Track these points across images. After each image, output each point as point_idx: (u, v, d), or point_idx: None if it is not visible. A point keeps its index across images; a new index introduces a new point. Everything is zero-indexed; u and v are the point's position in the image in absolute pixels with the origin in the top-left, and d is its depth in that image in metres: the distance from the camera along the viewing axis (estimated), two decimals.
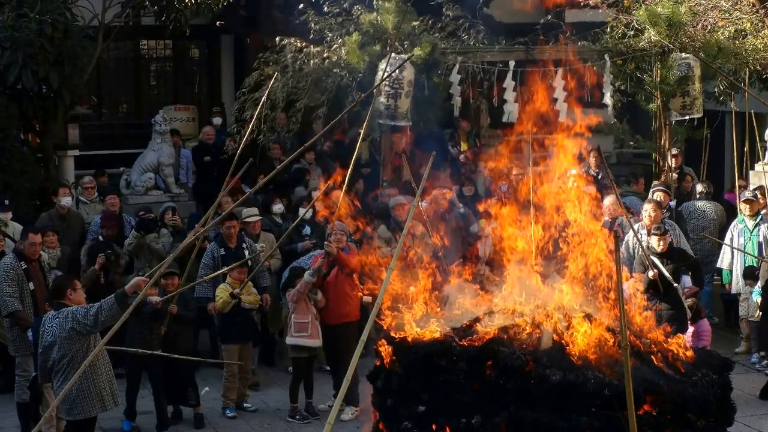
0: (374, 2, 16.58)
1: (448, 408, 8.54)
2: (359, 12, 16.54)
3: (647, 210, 13.64)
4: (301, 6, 16.70)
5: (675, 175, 17.25)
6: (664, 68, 17.11)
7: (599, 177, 17.48)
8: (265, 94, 13.21)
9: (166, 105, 19.40)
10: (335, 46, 16.49)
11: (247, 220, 14.42)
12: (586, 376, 8.37)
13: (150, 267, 13.56)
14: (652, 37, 17.08)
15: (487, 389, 8.53)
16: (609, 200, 15.12)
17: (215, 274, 12.51)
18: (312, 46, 16.37)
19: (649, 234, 13.06)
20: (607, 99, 17.36)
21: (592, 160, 17.74)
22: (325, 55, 16.40)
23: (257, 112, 13.04)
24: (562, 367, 8.47)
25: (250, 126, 12.39)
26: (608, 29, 17.64)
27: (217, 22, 17.59)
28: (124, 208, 15.95)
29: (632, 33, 17.45)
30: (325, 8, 16.61)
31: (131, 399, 12.38)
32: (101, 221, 14.53)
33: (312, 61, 16.32)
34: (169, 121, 17.85)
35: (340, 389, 7.18)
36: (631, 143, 19.59)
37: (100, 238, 14.26)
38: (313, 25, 16.50)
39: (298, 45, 16.43)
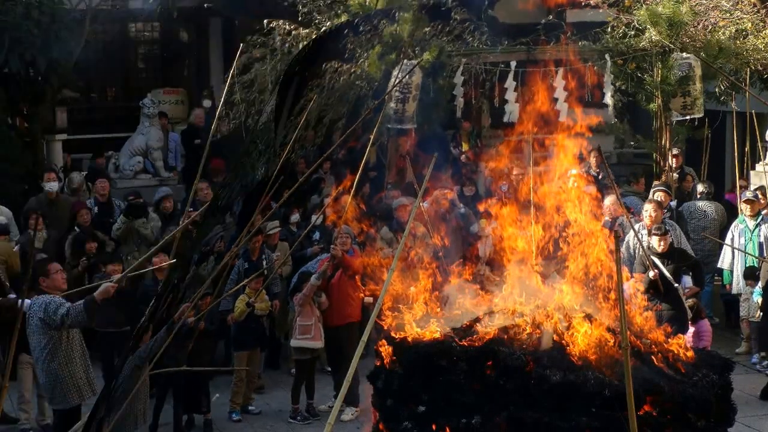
0: (395, 14, 16.45)
1: (448, 408, 8.53)
2: (384, 25, 16.34)
3: (648, 210, 13.63)
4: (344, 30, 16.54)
5: (676, 175, 17.23)
6: (664, 68, 17.08)
7: (600, 177, 17.47)
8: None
9: (155, 88, 19.30)
10: (361, 60, 16.38)
11: (270, 232, 14.54)
12: (586, 376, 8.36)
13: (138, 252, 13.52)
14: (653, 37, 17.05)
15: (487, 389, 8.52)
16: (609, 200, 15.11)
17: (237, 287, 12.53)
18: (301, 28, 16.19)
19: (649, 234, 13.04)
20: (608, 99, 17.34)
21: (592, 160, 17.74)
22: (351, 70, 16.27)
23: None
24: (563, 367, 8.46)
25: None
26: (609, 29, 17.62)
27: (205, 4, 17.46)
28: (113, 192, 15.76)
29: (633, 33, 17.42)
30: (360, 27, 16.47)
31: (157, 414, 12.35)
32: (74, 208, 14.23)
33: (342, 78, 16.24)
34: (157, 104, 17.82)
35: (341, 389, 7.16)
36: (632, 143, 19.56)
37: (76, 228, 13.99)
38: (300, 7, 16.41)
39: (287, 28, 16.31)
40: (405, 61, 16.14)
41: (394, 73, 15.90)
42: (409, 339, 8.99)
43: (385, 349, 9.05)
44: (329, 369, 13.42)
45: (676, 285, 12.50)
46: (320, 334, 12.77)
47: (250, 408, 13.10)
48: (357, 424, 12.35)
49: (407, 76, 15.90)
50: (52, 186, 14.61)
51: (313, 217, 14.72)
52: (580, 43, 17.66)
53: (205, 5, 17.30)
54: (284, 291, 14.02)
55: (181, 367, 11.66)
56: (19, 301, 9.77)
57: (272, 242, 14.56)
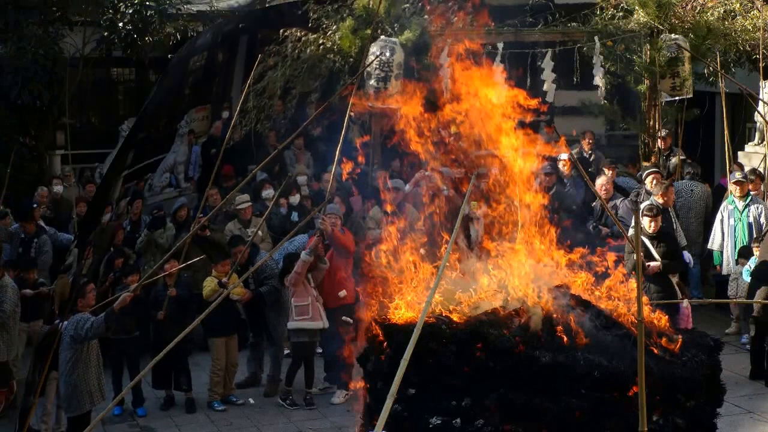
0: None
1: (438, 390, 8.55)
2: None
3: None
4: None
5: (664, 157, 17.26)
6: (653, 49, 17.08)
7: (591, 159, 17.52)
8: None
9: (131, 117, 21.48)
10: (330, 32, 16.85)
11: (240, 207, 14.56)
12: (576, 357, 8.38)
13: (154, 261, 13.80)
14: (641, 18, 17.04)
15: (477, 372, 8.53)
16: (601, 181, 15.19)
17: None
18: (310, 33, 16.92)
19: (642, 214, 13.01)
20: (598, 80, 17.35)
21: (584, 142, 17.78)
22: (320, 41, 16.78)
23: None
24: (552, 348, 8.47)
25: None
26: (598, 10, 17.61)
27: (169, 55, 20.19)
28: (144, 209, 16.39)
29: (621, 14, 17.41)
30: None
31: (118, 385, 12.45)
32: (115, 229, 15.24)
33: (309, 49, 16.83)
34: (189, 122, 19.26)
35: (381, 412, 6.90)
36: (622, 125, 19.58)
37: (74, 216, 15.67)
38: (311, 14, 16.94)
39: (298, 34, 16.92)
40: (383, 37, 16.16)
41: (372, 49, 15.92)
42: (399, 321, 8.99)
43: (375, 332, 9.05)
44: (320, 350, 13.41)
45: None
46: (319, 314, 12.68)
47: (232, 398, 12.96)
48: (347, 406, 12.35)
49: (388, 54, 15.91)
50: (59, 189, 17.71)
51: (292, 198, 15.38)
52: (569, 24, 17.66)
53: (169, 56, 19.69)
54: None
55: (132, 334, 12.57)
56: (59, 323, 10.48)
57: (244, 217, 14.60)
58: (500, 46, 16.95)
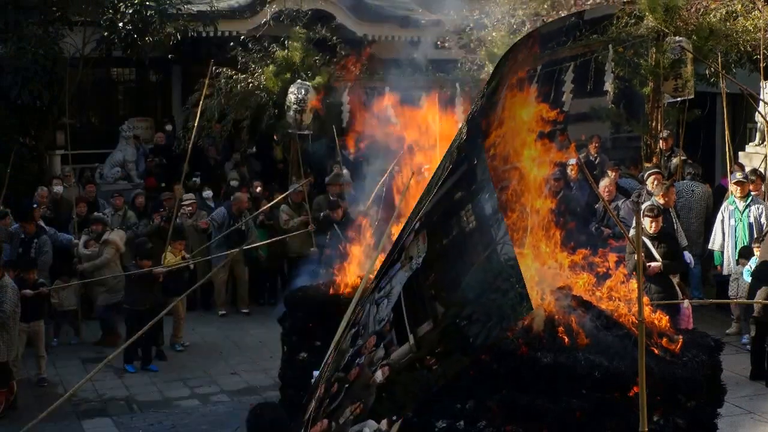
0: (286, 42, 19.70)
1: (443, 393, 8.50)
2: (274, 49, 19.61)
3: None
4: (231, 44, 20.30)
5: (665, 158, 17.27)
6: (659, 52, 17.09)
7: (597, 162, 17.57)
8: (199, 110, 16.77)
9: (131, 117, 23.85)
10: (257, 74, 19.61)
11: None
12: (576, 357, 8.36)
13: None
14: (649, 23, 17.06)
15: (480, 374, 8.49)
16: (604, 182, 15.19)
17: None
18: (239, 73, 19.69)
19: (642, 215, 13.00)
20: (608, 86, 17.42)
21: (591, 146, 17.84)
22: (249, 81, 19.56)
23: (197, 122, 16.90)
24: (553, 349, 8.45)
25: (193, 133, 16.35)
26: (615, 20, 17.64)
27: (169, 56, 21.23)
28: (99, 193, 19.38)
29: (633, 21, 17.44)
30: (249, 45, 19.97)
31: None
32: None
33: (240, 85, 19.57)
34: (132, 128, 22.45)
35: None
36: (626, 128, 19.60)
37: (74, 216, 16.50)
38: (240, 58, 19.86)
39: (229, 73, 19.56)
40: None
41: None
42: None
43: None
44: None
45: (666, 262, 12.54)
46: None
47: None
48: None
49: None
50: (59, 189, 18.28)
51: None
52: (591, 36, 17.74)
53: (169, 56, 21.15)
54: None
55: None
56: None
57: None
58: (539, 68, 17.10)
